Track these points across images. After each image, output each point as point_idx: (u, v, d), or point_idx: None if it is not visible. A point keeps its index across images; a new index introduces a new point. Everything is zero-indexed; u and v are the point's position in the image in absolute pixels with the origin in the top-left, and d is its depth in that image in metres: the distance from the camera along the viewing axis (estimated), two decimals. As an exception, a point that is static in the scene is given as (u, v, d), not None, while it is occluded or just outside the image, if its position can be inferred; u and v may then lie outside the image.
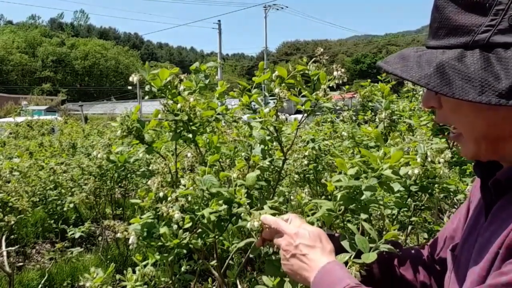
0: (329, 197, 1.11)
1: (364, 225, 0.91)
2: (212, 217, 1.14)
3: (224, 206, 1.16)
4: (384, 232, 0.93)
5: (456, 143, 0.71)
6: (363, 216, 1.06)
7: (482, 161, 0.69)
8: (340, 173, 1.05)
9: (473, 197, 0.79)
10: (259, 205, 1.29)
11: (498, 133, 0.61)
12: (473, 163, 0.74)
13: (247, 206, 1.13)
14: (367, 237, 0.89)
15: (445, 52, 0.59)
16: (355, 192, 1.03)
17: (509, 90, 0.54)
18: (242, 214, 1.10)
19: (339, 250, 0.87)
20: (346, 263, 0.83)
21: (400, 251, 0.91)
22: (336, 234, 0.92)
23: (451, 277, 0.73)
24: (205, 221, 1.17)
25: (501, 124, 0.60)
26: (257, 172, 1.29)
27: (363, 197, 1.01)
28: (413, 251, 0.94)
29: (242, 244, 1.02)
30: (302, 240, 0.80)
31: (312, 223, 1.11)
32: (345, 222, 1.25)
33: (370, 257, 0.80)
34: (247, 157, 1.47)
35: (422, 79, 0.58)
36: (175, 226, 1.20)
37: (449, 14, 0.60)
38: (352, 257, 0.84)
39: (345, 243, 0.88)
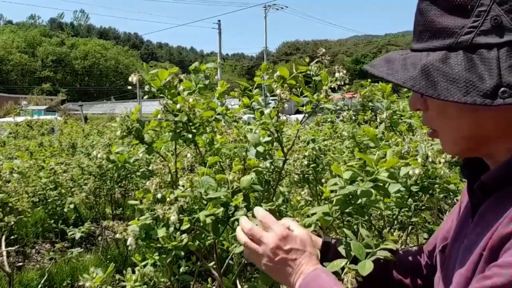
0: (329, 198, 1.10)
1: (361, 231, 0.90)
2: (208, 220, 1.14)
3: (221, 209, 1.16)
4: (383, 234, 0.92)
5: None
6: (365, 217, 1.05)
7: (466, 159, 0.70)
8: (336, 176, 1.04)
9: (464, 197, 0.79)
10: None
11: (483, 133, 0.61)
12: (461, 164, 0.74)
13: (244, 209, 1.12)
14: (364, 241, 0.88)
15: (430, 54, 0.60)
16: (350, 196, 1.02)
17: (493, 90, 0.54)
18: (238, 216, 1.10)
19: (335, 255, 0.86)
20: (342, 269, 0.82)
21: (396, 255, 0.90)
22: (333, 241, 0.91)
23: (440, 277, 0.73)
24: (201, 224, 1.17)
25: (486, 125, 0.60)
26: (252, 174, 1.28)
27: (359, 201, 1.00)
28: (410, 255, 0.93)
29: (238, 250, 1.01)
30: (292, 244, 0.78)
31: (309, 226, 1.10)
32: (344, 223, 1.25)
33: (366, 268, 0.79)
34: (243, 159, 1.47)
35: (407, 82, 0.59)
36: (172, 228, 1.20)
37: (432, 17, 0.61)
38: (348, 263, 0.83)
39: (341, 249, 0.87)
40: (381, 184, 1.00)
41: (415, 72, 0.59)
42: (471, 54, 0.57)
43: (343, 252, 0.86)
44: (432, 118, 0.66)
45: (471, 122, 0.61)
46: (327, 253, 0.88)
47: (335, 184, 1.01)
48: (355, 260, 0.84)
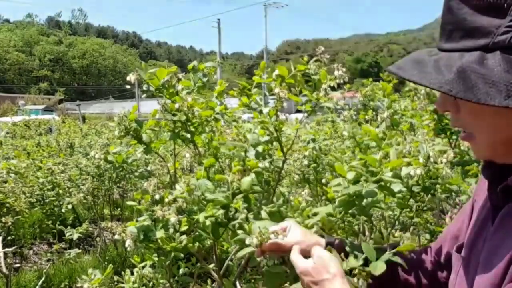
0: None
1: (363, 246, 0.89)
2: (207, 222, 1.12)
3: (221, 211, 1.14)
4: (386, 234, 0.91)
5: (462, 143, 0.69)
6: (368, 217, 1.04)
7: (497, 162, 0.67)
8: (339, 176, 1.03)
9: (478, 197, 0.77)
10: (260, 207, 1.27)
11: None
12: (481, 165, 0.72)
13: (245, 210, 1.11)
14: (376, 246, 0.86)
15: (464, 55, 0.58)
16: (354, 197, 1.01)
17: None
18: (240, 220, 1.08)
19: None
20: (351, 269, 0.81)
21: (402, 255, 0.89)
22: (336, 241, 0.91)
23: (457, 279, 0.71)
24: (201, 225, 1.15)
25: None
26: (252, 175, 1.27)
27: (364, 201, 0.99)
28: (414, 253, 0.92)
29: (241, 254, 1.00)
30: (308, 277, 0.80)
31: (312, 227, 1.09)
32: (345, 223, 1.24)
33: (378, 268, 0.78)
34: (242, 160, 1.45)
35: (444, 85, 0.56)
36: (171, 230, 1.18)
37: (464, 15, 0.58)
38: (359, 264, 0.82)
39: (351, 251, 0.86)
40: (387, 184, 0.99)
41: (451, 75, 0.56)
42: (509, 55, 0.55)
43: (354, 254, 0.85)
44: (466, 121, 0.63)
45: (509, 125, 0.59)
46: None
47: (339, 184, 1.00)
48: (365, 261, 0.83)
